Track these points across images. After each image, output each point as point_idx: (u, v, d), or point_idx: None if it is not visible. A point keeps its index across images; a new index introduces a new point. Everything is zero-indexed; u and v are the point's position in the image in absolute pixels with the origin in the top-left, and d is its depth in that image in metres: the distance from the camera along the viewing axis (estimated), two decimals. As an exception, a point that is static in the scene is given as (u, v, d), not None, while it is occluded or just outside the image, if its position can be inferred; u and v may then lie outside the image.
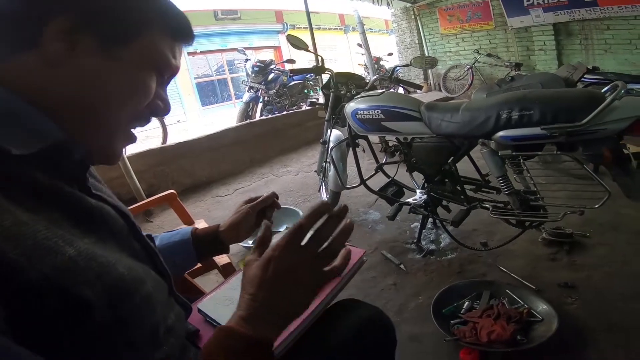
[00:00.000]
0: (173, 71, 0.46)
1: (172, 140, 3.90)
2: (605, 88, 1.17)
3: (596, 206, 1.23)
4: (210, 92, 11.62)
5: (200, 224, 1.76)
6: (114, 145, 0.45)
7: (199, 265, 1.31)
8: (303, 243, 0.45)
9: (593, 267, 1.55)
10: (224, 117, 8.54)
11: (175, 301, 0.55)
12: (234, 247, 2.14)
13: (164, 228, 2.55)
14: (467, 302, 1.37)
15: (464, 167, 1.61)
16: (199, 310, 0.63)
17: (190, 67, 10.59)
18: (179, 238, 0.71)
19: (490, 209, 1.48)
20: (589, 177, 1.24)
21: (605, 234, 1.77)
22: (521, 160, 1.34)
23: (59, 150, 0.39)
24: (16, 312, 0.29)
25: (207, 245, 0.73)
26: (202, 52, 10.91)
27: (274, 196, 0.76)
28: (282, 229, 0.84)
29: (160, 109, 0.48)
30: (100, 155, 0.45)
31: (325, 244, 0.46)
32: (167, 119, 4.72)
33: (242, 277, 0.47)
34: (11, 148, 0.34)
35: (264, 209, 0.75)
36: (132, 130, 0.47)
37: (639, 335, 1.17)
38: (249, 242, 2.16)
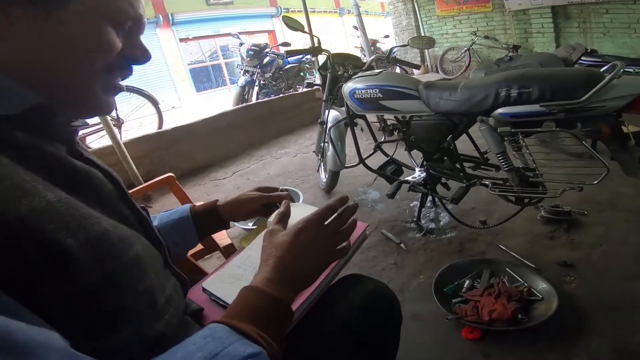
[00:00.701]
0: (134, 19, 0.44)
1: (168, 125, 3.87)
2: (604, 68, 1.17)
3: (595, 182, 1.24)
4: (204, 77, 11.45)
5: (200, 207, 1.76)
6: (96, 98, 0.45)
7: (201, 247, 1.34)
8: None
9: (591, 245, 1.56)
10: (220, 102, 8.46)
11: (172, 274, 0.55)
12: (233, 230, 2.17)
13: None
14: (467, 281, 1.40)
15: (463, 145, 1.61)
16: (204, 290, 0.63)
17: (183, 54, 10.41)
18: (178, 216, 0.72)
19: (490, 185, 1.49)
20: (588, 154, 1.25)
21: (604, 212, 1.78)
22: (520, 137, 1.34)
23: (41, 113, 0.40)
24: None
25: (206, 221, 0.73)
26: (195, 38, 10.72)
27: (287, 198, 0.74)
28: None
29: (138, 56, 0.47)
30: (89, 109, 0.46)
31: (342, 227, 0.54)
32: (162, 105, 4.65)
33: (266, 243, 0.52)
34: None
35: (270, 204, 0.75)
36: (116, 80, 0.47)
37: (638, 314, 1.18)
38: (249, 224, 2.17)
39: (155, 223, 0.70)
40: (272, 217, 0.76)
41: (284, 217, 0.57)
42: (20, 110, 0.37)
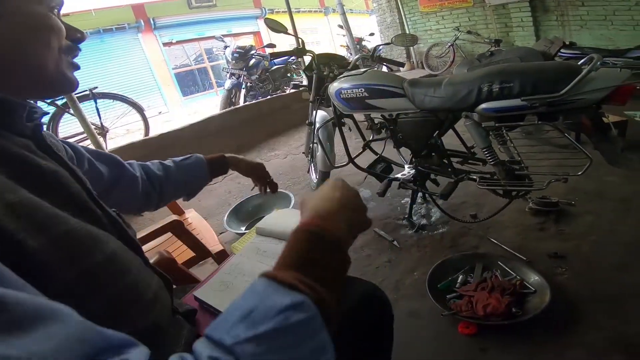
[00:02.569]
0: (58, 2, 0.47)
1: (155, 132, 3.83)
2: (582, 61, 1.19)
3: (579, 173, 1.27)
4: (190, 81, 11.33)
5: (191, 214, 1.75)
6: (64, 76, 0.47)
7: (193, 254, 1.33)
8: None
9: (580, 236, 1.59)
10: (207, 106, 8.39)
11: (153, 272, 0.55)
12: (226, 235, 2.15)
13: (154, 220, 2.52)
14: (461, 276, 1.41)
15: (450, 140, 1.63)
16: (196, 298, 0.64)
17: (167, 58, 10.28)
18: (193, 160, 0.88)
19: (478, 180, 1.52)
20: (571, 145, 1.28)
21: (591, 202, 1.81)
22: (504, 131, 1.36)
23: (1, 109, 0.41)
24: None
25: (215, 165, 0.90)
26: (178, 42, 10.59)
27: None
28: (273, 211, 0.86)
29: (75, 34, 0.50)
30: (60, 87, 0.48)
31: None
32: (148, 112, 4.59)
33: (304, 201, 0.49)
34: None
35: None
36: (72, 59, 0.50)
37: (631, 304, 1.20)
38: (242, 228, 2.17)
39: (170, 164, 0.85)
40: (262, 222, 0.77)
41: None
42: None
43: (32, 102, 0.48)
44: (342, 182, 0.51)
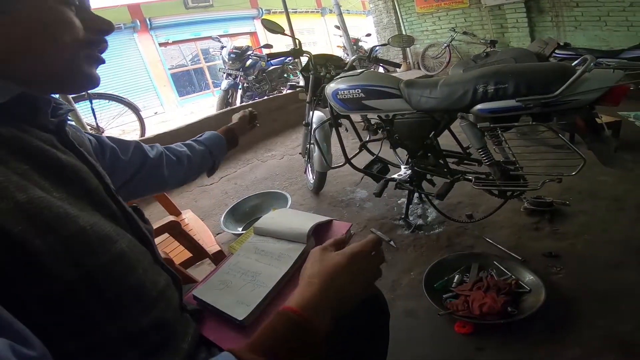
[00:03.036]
0: None
1: (150, 132, 3.81)
2: (576, 62, 1.20)
3: (573, 173, 1.28)
4: (186, 82, 11.29)
5: (188, 214, 1.74)
6: (83, 72, 0.46)
7: (190, 254, 1.34)
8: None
9: (575, 235, 1.61)
10: (203, 106, 8.37)
11: (163, 270, 0.55)
12: (223, 236, 2.15)
13: (151, 221, 2.51)
14: (457, 276, 1.42)
15: (445, 141, 1.64)
16: (195, 297, 0.64)
17: (164, 58, 10.24)
18: (208, 134, 0.97)
19: (473, 180, 1.52)
20: (565, 146, 1.29)
21: (585, 202, 1.83)
22: (499, 132, 1.37)
23: (25, 105, 0.41)
24: None
25: (229, 136, 1.00)
26: (175, 42, 10.55)
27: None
28: (270, 211, 0.87)
29: (101, 25, 0.48)
30: (79, 83, 0.47)
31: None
32: (144, 112, 4.57)
33: (313, 262, 0.52)
34: None
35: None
36: (96, 53, 0.48)
37: (625, 303, 1.21)
38: (239, 229, 2.16)
39: (189, 141, 0.93)
40: (260, 222, 0.77)
41: (340, 243, 0.57)
42: (3, 100, 0.39)
43: (57, 98, 0.50)
44: (363, 250, 0.52)
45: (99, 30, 0.48)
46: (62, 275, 0.36)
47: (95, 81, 0.48)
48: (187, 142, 0.93)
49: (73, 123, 0.62)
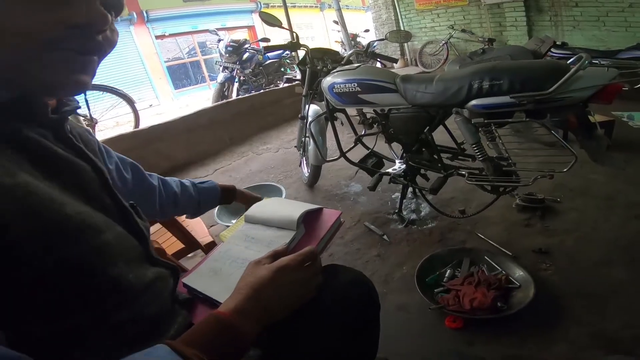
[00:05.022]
0: None
1: (145, 124, 3.78)
2: (571, 60, 1.20)
3: (564, 170, 1.28)
4: (182, 74, 11.20)
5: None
6: (62, 80, 0.41)
7: (183, 245, 1.34)
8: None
9: (565, 232, 1.62)
10: (199, 99, 8.31)
11: (157, 264, 0.55)
12: (217, 228, 2.14)
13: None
14: (448, 270, 1.43)
15: (440, 137, 1.64)
16: (184, 285, 0.64)
17: (160, 51, 10.14)
18: (208, 184, 0.94)
19: (466, 175, 1.53)
20: (558, 143, 1.30)
21: (576, 199, 1.85)
22: (493, 128, 1.38)
23: (18, 104, 0.41)
24: None
25: (226, 194, 0.96)
26: (171, 35, 10.45)
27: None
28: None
29: (95, 21, 0.40)
30: (57, 88, 0.42)
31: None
32: (139, 104, 4.52)
33: (248, 272, 0.55)
34: None
35: None
36: (88, 56, 0.43)
37: (611, 300, 1.22)
38: (233, 221, 2.16)
39: (187, 183, 0.90)
40: (250, 210, 0.77)
41: (276, 256, 0.59)
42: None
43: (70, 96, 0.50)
44: (290, 264, 0.54)
45: (76, 25, 0.39)
46: (36, 262, 0.36)
47: (80, 86, 0.43)
48: (185, 181, 0.91)
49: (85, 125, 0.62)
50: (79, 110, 0.55)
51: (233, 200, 0.97)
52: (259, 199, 0.98)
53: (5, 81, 0.39)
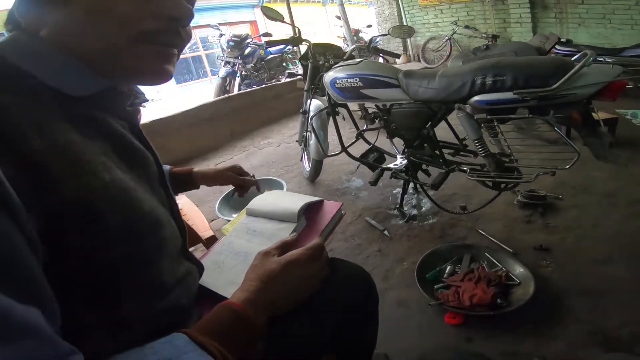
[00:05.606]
0: None
1: (146, 119, 3.78)
2: (575, 57, 1.19)
3: (567, 167, 1.28)
4: (184, 69, 11.19)
5: (182, 199, 1.74)
6: (149, 70, 0.43)
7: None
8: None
9: (566, 229, 1.62)
10: (201, 93, 8.29)
11: (186, 258, 0.57)
12: (217, 222, 2.14)
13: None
14: (449, 267, 1.43)
15: (442, 132, 1.64)
16: None
17: (162, 45, 10.11)
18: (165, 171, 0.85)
19: (468, 171, 1.53)
20: (560, 140, 1.29)
21: (577, 196, 1.84)
22: (495, 124, 1.37)
23: (108, 94, 0.44)
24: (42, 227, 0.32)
25: (180, 182, 0.86)
26: (174, 30, 10.42)
27: (255, 185, 0.93)
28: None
29: (175, 12, 0.42)
30: (145, 78, 0.45)
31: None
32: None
33: (257, 263, 0.55)
34: (72, 93, 0.40)
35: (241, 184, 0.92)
36: (168, 48, 0.44)
37: (611, 298, 1.22)
38: (233, 216, 2.16)
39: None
40: (251, 203, 0.77)
41: (285, 247, 0.59)
42: (93, 92, 0.41)
43: (137, 87, 0.52)
44: (299, 259, 0.55)
45: (172, 16, 0.42)
46: (114, 250, 0.38)
47: (163, 76, 0.45)
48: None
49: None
50: None
51: (190, 184, 0.87)
52: (224, 173, 0.88)
53: (100, 70, 0.41)
